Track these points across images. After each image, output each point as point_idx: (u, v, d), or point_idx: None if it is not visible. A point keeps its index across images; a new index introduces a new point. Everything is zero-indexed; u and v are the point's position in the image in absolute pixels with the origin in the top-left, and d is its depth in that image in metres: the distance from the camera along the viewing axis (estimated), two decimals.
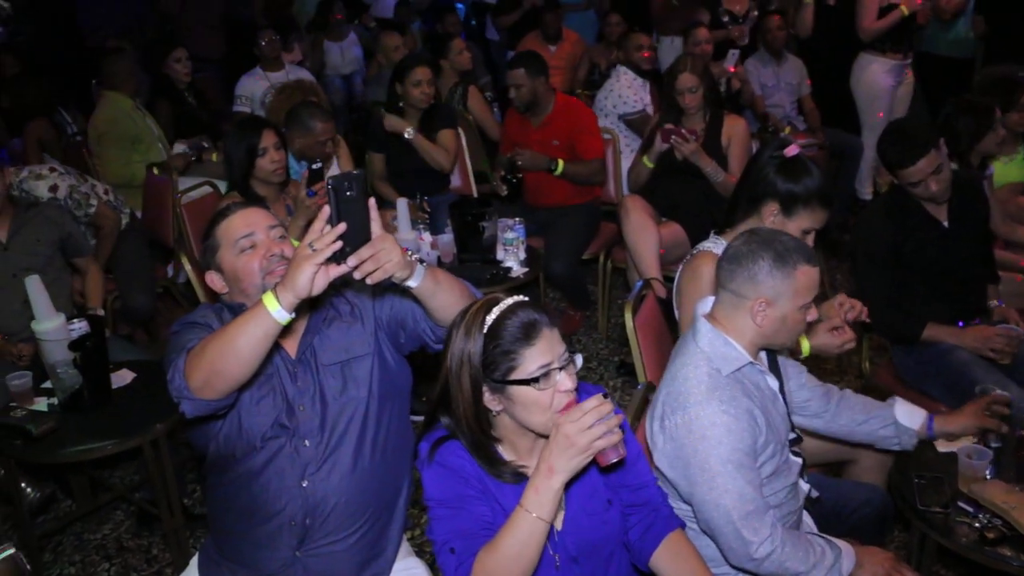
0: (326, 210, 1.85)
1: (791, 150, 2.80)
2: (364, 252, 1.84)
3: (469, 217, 4.04)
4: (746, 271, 2.19)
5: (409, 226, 4.13)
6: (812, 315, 2.21)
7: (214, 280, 2.29)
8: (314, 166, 3.72)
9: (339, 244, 1.82)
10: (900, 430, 2.53)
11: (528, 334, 1.82)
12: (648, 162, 4.40)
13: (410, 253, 1.96)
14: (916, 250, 3.20)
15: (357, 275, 1.86)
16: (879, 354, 3.79)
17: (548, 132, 4.66)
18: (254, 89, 6.09)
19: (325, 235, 1.82)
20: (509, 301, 1.87)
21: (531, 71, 4.60)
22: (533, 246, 4.25)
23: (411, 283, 1.96)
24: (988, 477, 2.39)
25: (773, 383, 2.29)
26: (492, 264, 4.02)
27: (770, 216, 2.73)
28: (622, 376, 4.44)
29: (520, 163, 4.63)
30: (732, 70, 5.78)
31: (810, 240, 2.71)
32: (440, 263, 4.00)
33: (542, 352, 1.83)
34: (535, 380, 1.82)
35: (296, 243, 3.32)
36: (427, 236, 4.12)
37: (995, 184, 4.15)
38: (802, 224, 2.70)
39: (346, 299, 2.34)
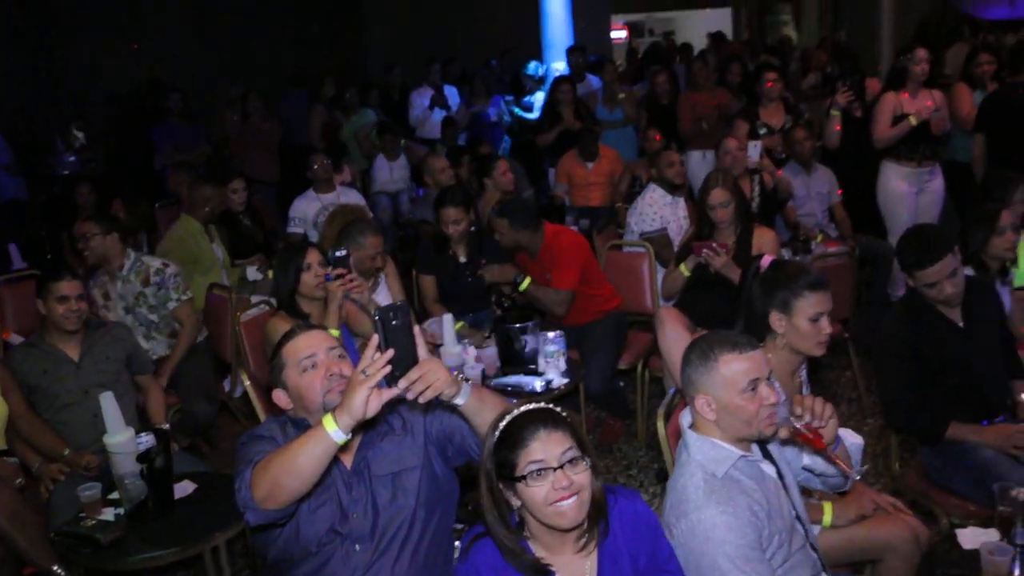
0: (375, 338, 2.07)
1: (764, 261, 3.06)
2: (413, 374, 2.06)
3: (511, 331, 4.23)
4: (685, 376, 2.40)
5: (455, 341, 4.29)
6: (771, 397, 2.33)
7: (280, 397, 2.50)
8: (338, 252, 3.92)
9: (388, 369, 2.04)
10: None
11: (525, 436, 2.04)
12: (685, 270, 4.60)
13: (456, 373, 2.17)
14: (934, 350, 3.33)
15: (409, 396, 2.08)
16: (909, 454, 3.86)
17: (541, 266, 4.79)
18: (307, 210, 6.38)
19: (375, 361, 2.04)
20: (521, 408, 2.09)
21: (514, 224, 4.71)
22: (573, 357, 4.41)
23: (458, 400, 2.17)
24: (1015, 573, 2.45)
25: (770, 469, 2.43)
26: (534, 376, 4.17)
27: (779, 325, 2.93)
28: (662, 483, 4.53)
29: (487, 277, 4.78)
30: (756, 162, 5.89)
31: (824, 323, 2.89)
32: (484, 376, 4.17)
33: (535, 452, 2.03)
34: (523, 478, 2.03)
35: (335, 332, 3.55)
36: (472, 350, 4.28)
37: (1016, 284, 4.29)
38: (806, 313, 2.88)
39: (399, 414, 2.53)
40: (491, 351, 4.28)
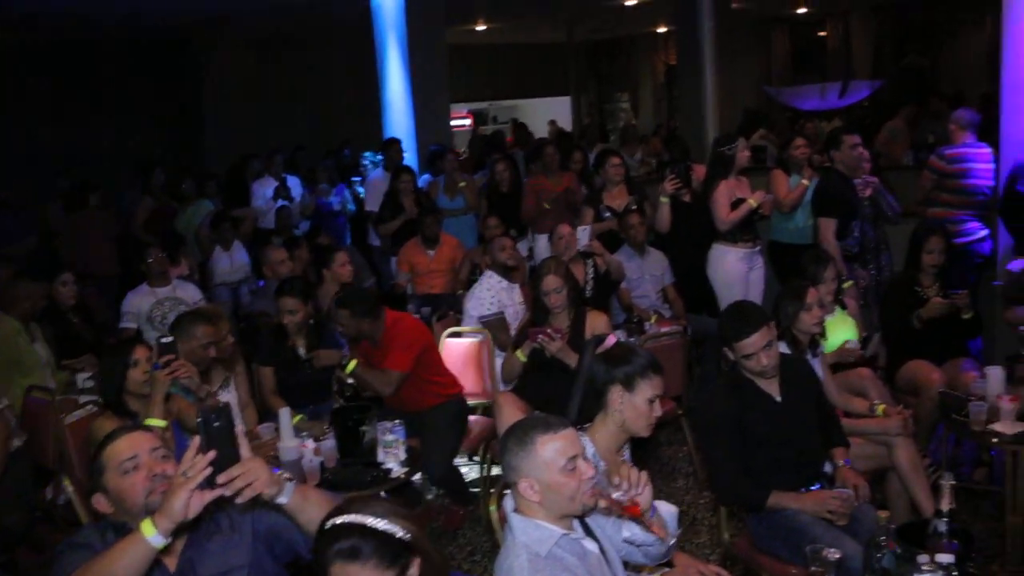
0: (197, 440, 2.06)
1: (609, 341, 3.21)
2: (233, 472, 2.06)
3: (350, 423, 4.19)
4: (505, 463, 2.48)
5: (292, 435, 4.23)
6: (587, 472, 2.43)
7: (100, 501, 2.42)
8: (163, 339, 3.85)
9: (209, 470, 2.04)
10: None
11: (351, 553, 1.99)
12: (521, 356, 4.67)
13: (280, 472, 2.17)
14: (754, 424, 3.50)
15: (227, 493, 2.04)
16: (741, 524, 3.99)
17: (383, 352, 4.83)
18: (140, 304, 6.16)
19: (196, 463, 2.03)
20: (340, 519, 2.03)
21: (355, 313, 4.76)
22: (413, 446, 4.40)
23: (281, 499, 2.17)
24: None
25: (592, 546, 2.51)
26: (373, 466, 4.14)
27: (617, 400, 3.04)
28: None
29: (316, 363, 4.80)
30: (588, 245, 6.05)
31: (657, 407, 3.04)
32: (323, 468, 4.12)
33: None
34: None
35: (160, 423, 3.47)
36: (310, 443, 4.23)
37: (827, 348, 4.57)
38: (645, 394, 3.04)
39: (226, 513, 2.48)
40: (330, 443, 4.23)
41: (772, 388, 3.58)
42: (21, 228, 8.54)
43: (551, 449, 2.41)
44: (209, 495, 2.07)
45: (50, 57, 13.49)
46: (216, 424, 2.10)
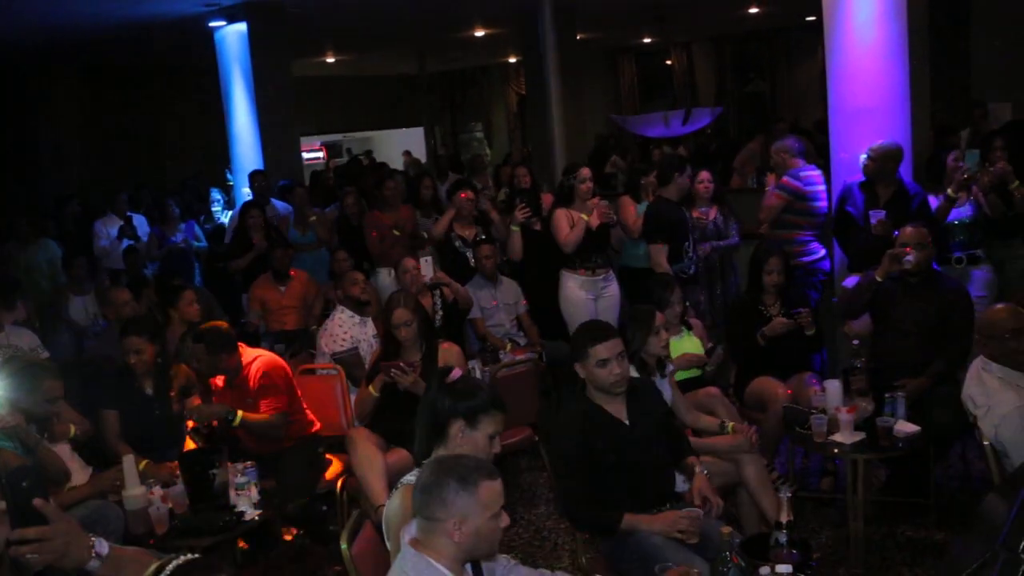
0: None
1: (455, 375, 3.23)
2: (29, 532, 1.95)
3: (198, 467, 4.09)
4: (436, 498, 2.44)
5: (137, 482, 4.09)
6: (505, 521, 2.48)
7: None
8: None
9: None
10: None
11: None
12: (374, 391, 4.65)
13: (93, 542, 2.06)
14: (603, 447, 3.57)
15: (11, 553, 1.95)
16: (594, 547, 4.05)
17: (241, 391, 4.78)
18: None
19: None
20: (174, 563, 2.00)
21: (211, 348, 4.73)
22: (267, 487, 4.31)
23: (89, 567, 2.05)
24: None
25: None
26: (226, 510, 4.04)
27: (458, 433, 3.07)
28: None
29: (194, 418, 4.70)
30: (432, 277, 6.09)
31: (496, 444, 3.08)
32: (172, 515, 3.99)
33: None
34: None
35: None
36: (158, 489, 4.10)
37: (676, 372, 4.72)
38: (487, 431, 3.07)
39: None
40: (179, 489, 4.11)
41: (620, 412, 3.67)
42: None
43: (492, 494, 2.45)
44: (3, 532, 1.95)
45: None
46: (23, 484, 2.08)
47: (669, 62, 19.06)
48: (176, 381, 4.98)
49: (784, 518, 3.09)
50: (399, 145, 18.64)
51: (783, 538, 3.06)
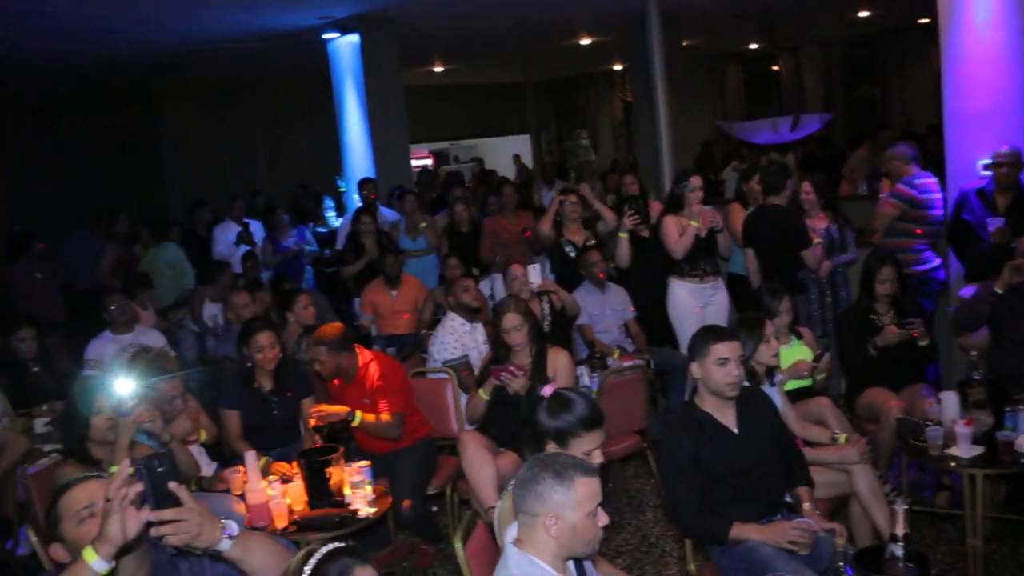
0: (125, 466, 2.13)
1: (547, 390, 3.24)
2: (166, 514, 2.12)
3: (316, 464, 4.21)
4: (532, 493, 2.49)
5: (259, 477, 4.24)
6: (603, 520, 2.50)
7: (57, 552, 2.43)
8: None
9: (137, 489, 2.11)
10: None
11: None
12: (484, 395, 4.72)
13: (223, 524, 2.22)
14: (713, 456, 3.56)
15: (153, 532, 2.11)
16: (703, 556, 4.04)
17: (359, 391, 4.88)
18: (103, 352, 6.17)
19: (118, 492, 2.09)
20: (323, 550, 2.12)
21: (332, 348, 4.80)
22: (382, 487, 4.42)
23: (220, 548, 2.22)
24: None
25: None
26: (341, 508, 4.16)
27: (552, 451, 3.08)
28: None
29: (319, 419, 4.71)
30: (539, 284, 6.10)
31: (596, 456, 3.07)
32: (291, 511, 4.13)
33: None
34: None
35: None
36: (278, 485, 4.25)
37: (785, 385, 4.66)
38: (580, 450, 3.06)
39: (186, 559, 2.50)
40: (298, 485, 4.24)
41: (729, 420, 3.65)
42: None
43: (587, 491, 2.48)
44: (144, 513, 2.11)
45: (8, 108, 13.53)
46: (159, 469, 2.16)
47: (775, 67, 18.77)
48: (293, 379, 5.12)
49: (900, 530, 3.03)
50: (506, 153, 18.81)
51: (899, 551, 3.01)
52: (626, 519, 5.37)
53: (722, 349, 3.56)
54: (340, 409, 4.74)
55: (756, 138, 13.79)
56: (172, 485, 2.17)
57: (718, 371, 3.57)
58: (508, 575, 2.50)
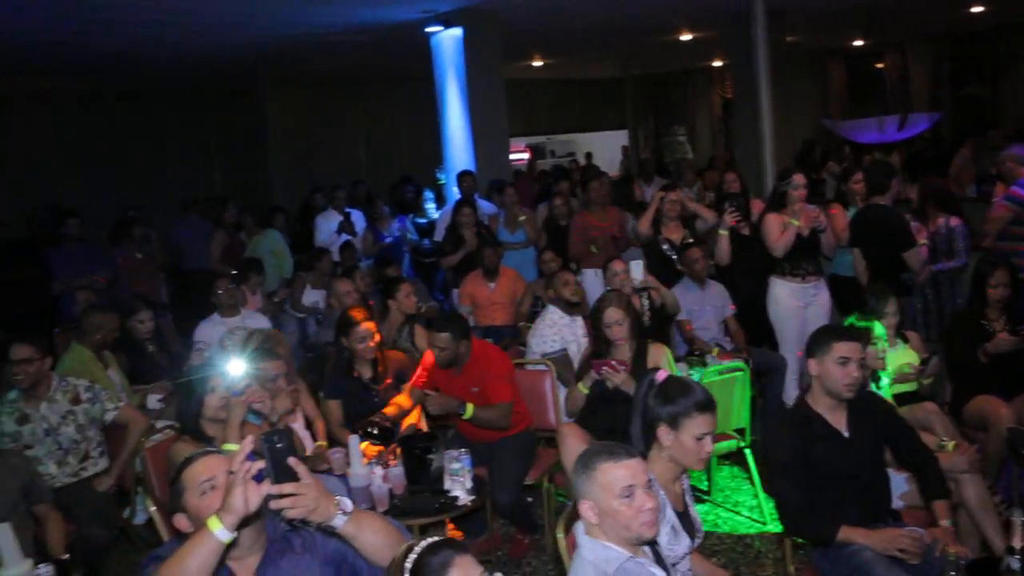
0: (247, 442, 2.25)
1: (660, 375, 3.26)
2: (286, 488, 2.22)
3: (417, 451, 4.29)
4: (574, 485, 2.62)
5: (361, 461, 4.34)
6: (648, 502, 2.52)
7: (181, 521, 2.55)
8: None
9: (260, 465, 2.23)
10: None
11: (443, 567, 2.12)
12: (584, 388, 4.74)
13: (337, 500, 2.29)
14: (821, 458, 3.51)
15: (272, 505, 2.21)
16: (806, 557, 3.99)
17: (468, 379, 4.89)
18: (211, 334, 6.36)
19: (242, 465, 2.21)
20: (425, 543, 2.19)
21: (455, 335, 4.83)
22: (479, 475, 4.49)
23: (334, 523, 2.30)
24: None
25: (660, 573, 2.58)
26: (440, 494, 4.23)
27: (666, 438, 3.11)
28: None
29: (430, 409, 4.77)
30: (642, 280, 6.07)
31: (707, 444, 3.07)
32: (392, 495, 4.22)
33: None
34: None
35: (234, 447, 3.61)
36: (378, 470, 4.34)
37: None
38: (692, 432, 3.07)
39: (300, 534, 2.60)
40: (398, 471, 4.33)
41: (840, 422, 3.59)
42: (95, 262, 8.86)
43: (609, 476, 2.53)
44: (264, 487, 2.22)
45: (118, 105, 14.12)
46: (279, 445, 2.26)
47: (881, 64, 18.33)
48: (391, 367, 5.22)
49: (1018, 543, 2.96)
50: (601, 148, 18.76)
51: (1015, 564, 2.94)
52: (721, 518, 5.34)
53: (844, 348, 3.50)
54: (451, 400, 4.78)
55: (861, 137, 13.53)
56: (291, 460, 2.25)
57: (837, 370, 3.50)
58: (581, 559, 2.57)
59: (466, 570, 2.13)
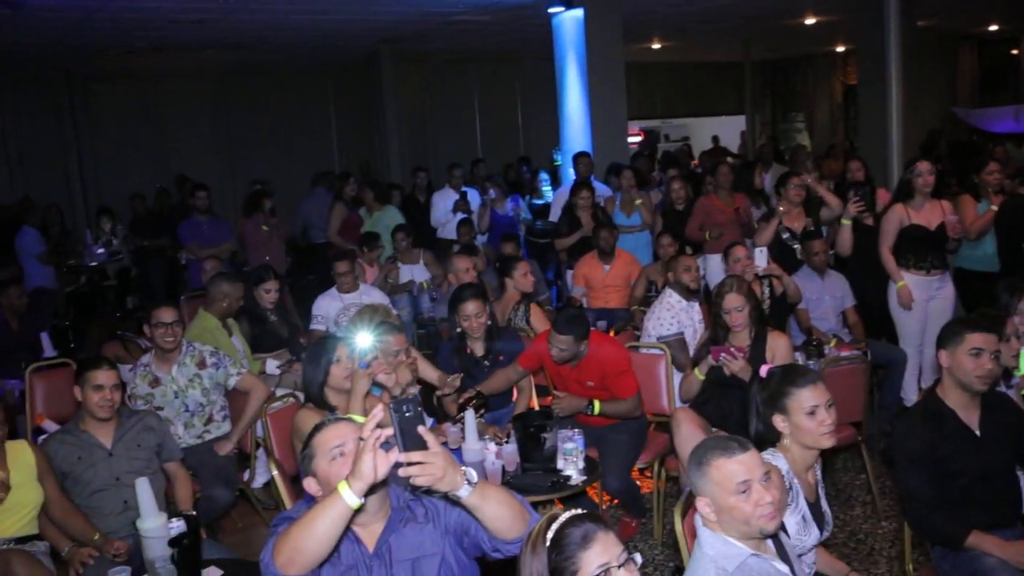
0: (377, 411, 2.29)
1: (763, 370, 3.23)
2: (414, 456, 2.24)
3: (531, 429, 4.31)
4: (691, 483, 2.56)
5: (476, 436, 4.39)
6: (766, 496, 2.46)
7: (311, 484, 2.63)
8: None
9: (388, 432, 2.27)
10: None
11: (585, 540, 2.11)
12: (700, 374, 4.72)
13: (463, 471, 2.32)
14: (950, 455, 3.39)
15: (401, 473, 2.24)
16: (924, 557, 3.90)
17: (583, 373, 4.83)
18: (329, 309, 6.55)
19: (372, 433, 2.25)
20: (567, 515, 2.18)
21: (578, 338, 4.71)
22: (591, 456, 4.50)
23: (459, 493, 2.31)
24: None
25: (783, 567, 2.54)
26: (553, 473, 4.25)
27: (783, 426, 3.09)
28: None
29: (559, 412, 4.67)
30: (765, 268, 5.93)
31: (822, 414, 3.02)
32: (504, 472, 4.26)
33: (599, 555, 2.11)
34: None
35: (359, 418, 3.70)
36: (492, 446, 4.38)
37: None
38: (801, 409, 3.03)
39: (422, 503, 2.66)
40: (511, 448, 4.37)
41: (972, 421, 3.47)
42: (220, 233, 9.20)
43: (723, 472, 2.48)
44: (393, 456, 2.25)
45: (253, 89, 14.55)
46: (408, 414, 2.28)
47: (1015, 51, 17.56)
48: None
49: None
50: (714, 133, 18.52)
51: None
52: (834, 513, 5.23)
53: (977, 339, 3.38)
54: (578, 400, 4.74)
55: (994, 126, 12.99)
56: (420, 429, 2.29)
57: (970, 361, 3.39)
58: (702, 554, 2.52)
59: (607, 547, 2.13)
